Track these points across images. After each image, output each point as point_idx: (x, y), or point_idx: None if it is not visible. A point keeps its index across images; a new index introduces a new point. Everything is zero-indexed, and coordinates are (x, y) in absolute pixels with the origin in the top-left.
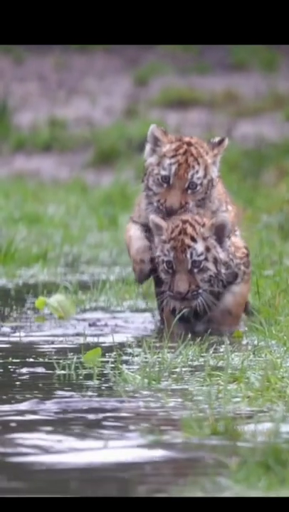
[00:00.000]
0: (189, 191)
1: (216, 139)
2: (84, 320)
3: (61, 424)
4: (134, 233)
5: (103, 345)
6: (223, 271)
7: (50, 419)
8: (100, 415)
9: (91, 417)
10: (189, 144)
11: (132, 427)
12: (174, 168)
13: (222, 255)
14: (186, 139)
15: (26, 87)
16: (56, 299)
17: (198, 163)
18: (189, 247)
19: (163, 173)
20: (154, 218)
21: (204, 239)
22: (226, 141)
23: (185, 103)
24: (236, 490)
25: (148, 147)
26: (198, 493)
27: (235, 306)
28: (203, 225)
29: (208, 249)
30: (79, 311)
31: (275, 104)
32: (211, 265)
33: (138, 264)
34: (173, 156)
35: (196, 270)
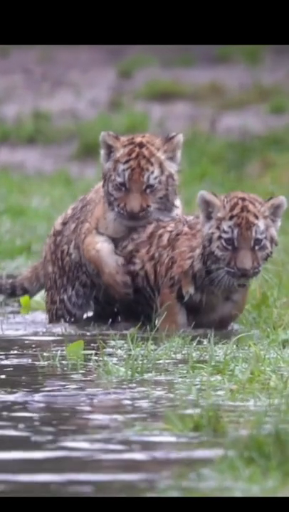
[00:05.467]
0: (148, 191)
1: (169, 135)
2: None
3: (48, 417)
4: (103, 247)
5: (86, 337)
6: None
7: (38, 411)
8: (85, 408)
9: (77, 409)
10: (141, 145)
11: (116, 420)
12: (127, 173)
13: (275, 235)
14: (138, 139)
15: (11, 79)
16: (42, 295)
17: (152, 164)
18: (253, 224)
19: (118, 179)
20: (206, 195)
21: (264, 217)
22: (179, 138)
23: (169, 95)
24: (219, 481)
25: (103, 152)
26: (184, 484)
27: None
28: (261, 203)
29: (267, 227)
30: None
31: (260, 97)
32: (268, 244)
33: (120, 286)
34: (126, 162)
35: (257, 248)
